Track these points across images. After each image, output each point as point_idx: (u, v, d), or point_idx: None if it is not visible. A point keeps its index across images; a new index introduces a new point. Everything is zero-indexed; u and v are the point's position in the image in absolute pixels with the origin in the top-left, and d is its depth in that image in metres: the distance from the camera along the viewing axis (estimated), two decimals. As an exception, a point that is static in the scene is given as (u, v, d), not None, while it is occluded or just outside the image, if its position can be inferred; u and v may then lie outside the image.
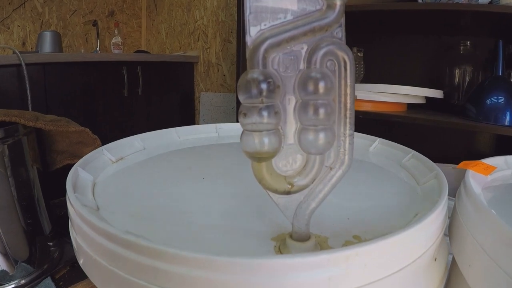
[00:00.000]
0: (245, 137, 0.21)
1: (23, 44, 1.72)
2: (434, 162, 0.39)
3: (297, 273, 0.19)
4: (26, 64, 1.18)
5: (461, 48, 1.06)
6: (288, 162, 0.23)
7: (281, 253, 0.25)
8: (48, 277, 0.78)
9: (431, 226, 0.25)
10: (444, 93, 1.02)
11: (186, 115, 1.99)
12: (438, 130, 1.20)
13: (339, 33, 0.21)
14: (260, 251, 0.25)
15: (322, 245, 0.26)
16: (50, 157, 0.85)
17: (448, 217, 0.32)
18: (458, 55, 1.07)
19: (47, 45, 1.49)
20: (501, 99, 0.86)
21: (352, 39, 0.71)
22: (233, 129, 0.59)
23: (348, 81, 0.22)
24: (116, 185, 0.37)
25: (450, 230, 0.33)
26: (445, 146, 1.20)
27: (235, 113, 1.72)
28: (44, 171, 0.83)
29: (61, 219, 0.81)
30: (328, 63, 0.22)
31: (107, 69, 1.52)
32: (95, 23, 1.81)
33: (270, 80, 0.20)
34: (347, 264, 0.20)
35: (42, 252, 0.79)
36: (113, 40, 1.90)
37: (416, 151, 0.44)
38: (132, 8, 2.19)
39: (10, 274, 0.72)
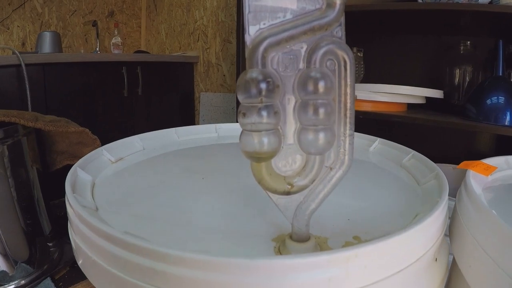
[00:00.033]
0: (244, 137, 0.21)
1: (23, 44, 1.72)
2: (434, 162, 0.39)
3: (296, 274, 0.19)
4: (26, 65, 1.18)
5: (461, 48, 1.06)
6: (288, 163, 0.23)
7: (280, 253, 0.25)
8: (48, 278, 0.78)
9: (431, 226, 0.25)
10: (444, 93, 1.02)
11: (186, 115, 1.99)
12: (438, 130, 1.20)
13: (339, 32, 0.21)
14: (260, 252, 0.25)
15: (322, 246, 0.26)
16: (50, 158, 0.85)
17: (449, 218, 0.31)
18: (458, 55, 1.07)
19: (47, 46, 1.49)
20: (501, 99, 0.86)
21: (352, 39, 0.71)
22: (232, 129, 0.59)
23: (348, 80, 0.22)
24: (115, 185, 0.37)
25: (451, 231, 0.33)
26: (445, 146, 1.20)
27: (235, 113, 1.72)
28: (44, 171, 0.83)
29: (61, 219, 0.81)
30: (328, 63, 0.21)
31: (107, 70, 1.52)
32: (94, 24, 1.81)
33: (269, 79, 0.20)
34: (347, 265, 0.20)
35: (42, 253, 0.79)
36: (113, 41, 1.90)
37: (416, 151, 0.44)
38: (131, 8, 2.19)
39: (10, 274, 0.72)
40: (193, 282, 0.20)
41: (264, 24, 0.21)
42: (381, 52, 1.26)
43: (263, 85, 0.20)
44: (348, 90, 0.22)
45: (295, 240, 0.24)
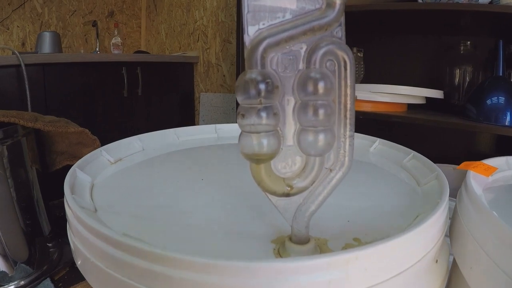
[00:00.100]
0: (243, 138, 0.21)
1: (23, 44, 1.71)
2: (434, 162, 0.39)
3: (296, 277, 0.19)
4: (26, 65, 1.18)
5: (461, 48, 1.06)
6: (287, 164, 0.23)
7: (280, 256, 0.24)
8: (48, 278, 0.78)
9: (432, 228, 0.25)
10: (444, 93, 1.02)
11: (186, 116, 1.99)
12: (438, 130, 1.20)
13: (339, 32, 0.21)
14: (259, 254, 0.25)
15: (321, 248, 0.25)
16: (49, 158, 0.85)
17: (449, 218, 0.31)
18: (458, 55, 1.06)
19: (47, 46, 1.49)
20: (502, 99, 0.86)
21: (352, 39, 0.71)
22: (232, 129, 0.59)
23: (348, 81, 0.21)
24: (115, 186, 0.37)
25: (451, 231, 0.33)
26: (445, 146, 1.20)
27: (235, 113, 1.72)
28: (44, 172, 0.83)
29: (60, 220, 0.81)
30: (328, 63, 0.21)
31: (106, 70, 1.51)
32: (94, 24, 1.81)
33: (268, 80, 0.20)
34: (347, 267, 0.20)
35: (41, 253, 0.79)
36: (113, 41, 1.90)
37: (416, 151, 0.44)
38: (131, 8, 2.19)
39: (10, 275, 0.72)
40: (191, 285, 0.20)
41: (263, 24, 0.21)
42: (381, 52, 1.26)
43: (262, 86, 0.19)
44: (348, 91, 0.22)
45: (295, 242, 0.24)
